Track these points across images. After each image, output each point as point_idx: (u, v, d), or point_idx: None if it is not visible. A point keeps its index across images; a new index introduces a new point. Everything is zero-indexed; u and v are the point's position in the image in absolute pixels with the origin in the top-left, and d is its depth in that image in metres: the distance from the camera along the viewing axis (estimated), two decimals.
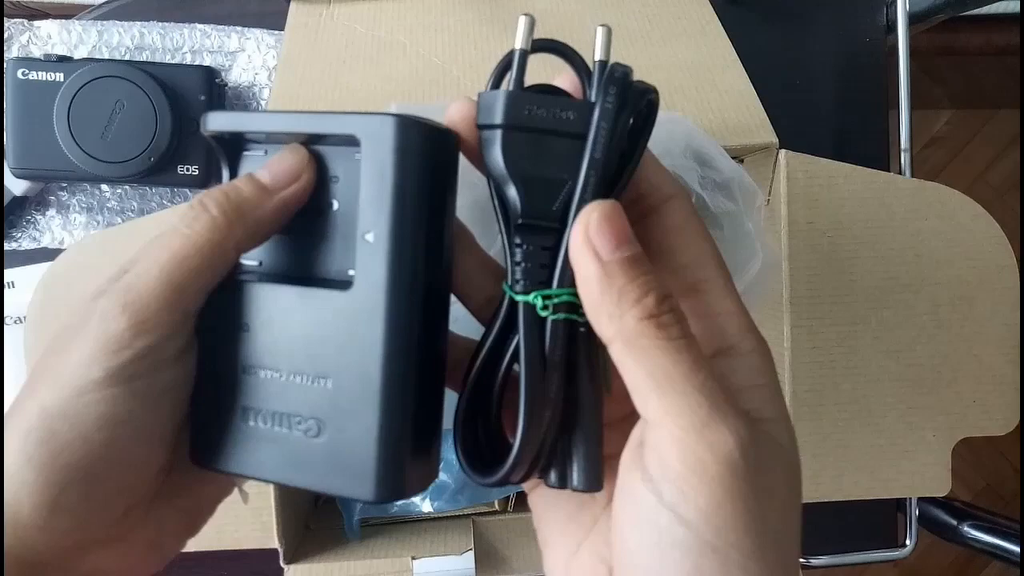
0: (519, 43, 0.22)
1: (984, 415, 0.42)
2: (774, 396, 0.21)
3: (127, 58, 0.57)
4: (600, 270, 0.19)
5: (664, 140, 0.34)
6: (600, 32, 0.21)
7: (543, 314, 0.21)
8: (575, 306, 0.21)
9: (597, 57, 0.21)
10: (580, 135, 0.21)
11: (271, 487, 0.39)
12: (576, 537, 0.23)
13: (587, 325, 0.21)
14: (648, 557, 0.19)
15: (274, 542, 0.39)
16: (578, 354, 0.21)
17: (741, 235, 0.35)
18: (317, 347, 0.21)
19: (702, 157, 0.35)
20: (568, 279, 0.21)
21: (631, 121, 0.21)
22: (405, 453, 0.21)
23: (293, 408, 0.22)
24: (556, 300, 0.21)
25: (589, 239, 0.19)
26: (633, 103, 0.21)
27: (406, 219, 0.21)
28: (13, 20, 0.57)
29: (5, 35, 0.56)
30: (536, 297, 0.21)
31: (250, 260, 0.24)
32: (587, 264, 0.19)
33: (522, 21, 0.22)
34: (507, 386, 0.22)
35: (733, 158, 0.45)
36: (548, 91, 0.22)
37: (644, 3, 0.47)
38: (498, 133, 0.21)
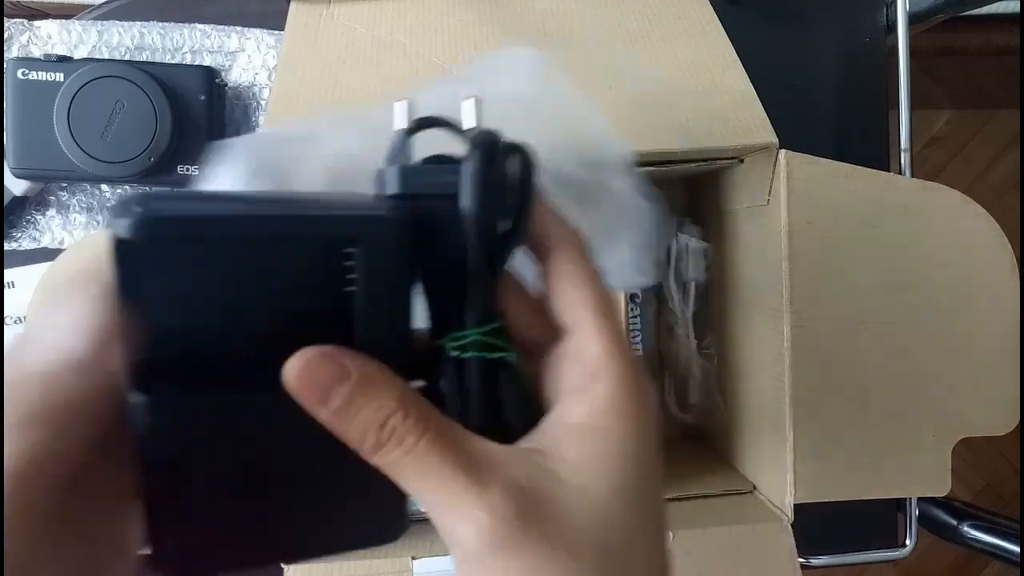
0: (397, 125, 0.24)
1: (984, 415, 0.42)
2: (619, 440, 0.22)
3: (127, 58, 0.57)
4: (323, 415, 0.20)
5: (547, 124, 0.33)
6: (468, 104, 0.24)
7: (453, 354, 0.23)
8: (488, 344, 0.23)
9: (465, 126, 0.24)
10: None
11: None
12: None
13: (510, 363, 0.23)
14: None
15: None
16: (501, 390, 0.23)
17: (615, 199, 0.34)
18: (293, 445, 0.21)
19: (579, 135, 0.34)
20: (474, 321, 0.22)
21: (508, 178, 0.23)
22: (404, 496, 0.23)
23: (286, 488, 0.22)
24: (465, 341, 0.22)
25: (301, 396, 0.20)
26: (495, 160, 0.22)
27: (403, 312, 0.22)
28: (13, 20, 0.57)
29: (5, 35, 0.56)
30: (448, 340, 0.23)
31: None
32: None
33: (398, 107, 0.24)
34: None
35: (732, 158, 0.46)
36: (439, 160, 0.24)
37: (644, 3, 0.47)
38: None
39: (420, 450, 0.20)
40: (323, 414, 0.20)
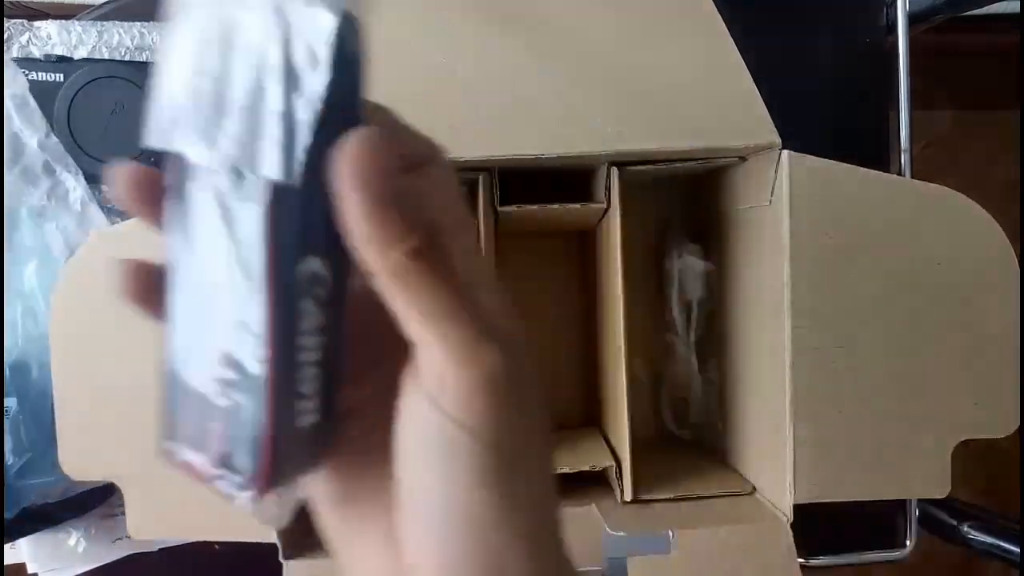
0: None
1: (984, 417, 0.42)
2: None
3: (127, 58, 0.57)
4: (369, 202, 0.19)
5: None
6: None
7: None
8: None
9: None
10: None
11: None
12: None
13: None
14: (438, 475, 0.21)
15: (273, 536, 0.39)
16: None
17: None
18: None
19: None
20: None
21: None
22: None
23: None
24: None
25: (358, 172, 0.19)
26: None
27: None
28: (13, 20, 0.57)
29: (5, 35, 0.56)
30: None
31: None
32: (356, 195, 0.19)
33: None
34: None
35: (735, 158, 0.46)
36: None
37: (645, 3, 0.47)
38: None
39: (448, 275, 0.20)
40: (385, 189, 0.19)
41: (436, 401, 0.21)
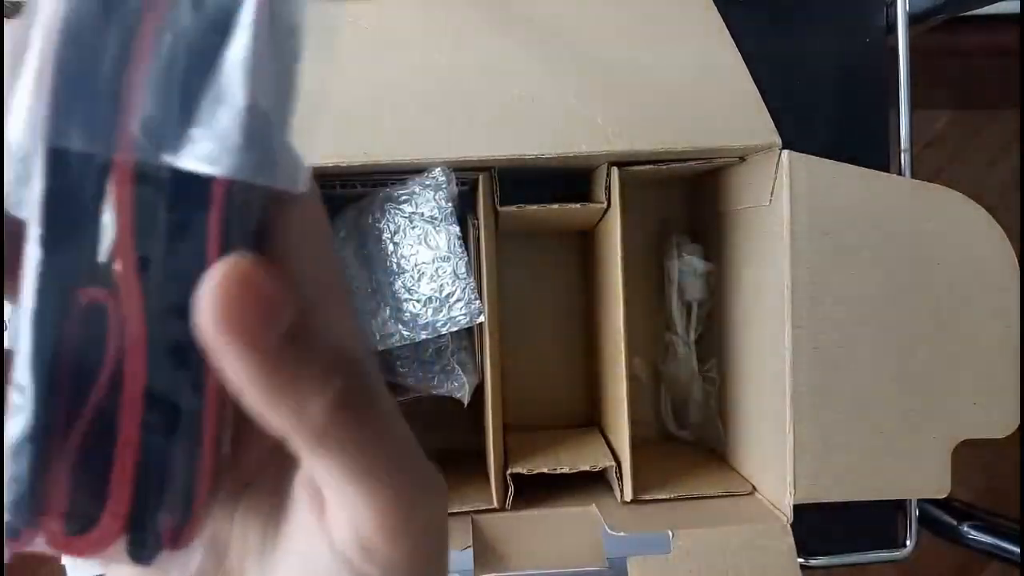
0: None
1: (984, 417, 0.42)
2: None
3: None
4: (263, 360, 0.13)
5: None
6: None
7: None
8: None
9: None
10: None
11: None
12: None
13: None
14: None
15: None
16: None
17: None
18: None
19: None
20: None
21: None
22: None
23: None
24: None
25: (233, 322, 0.13)
26: None
27: None
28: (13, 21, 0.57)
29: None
30: None
31: None
32: (242, 356, 0.13)
33: None
34: None
35: (735, 158, 0.46)
36: None
37: (647, 3, 0.47)
38: None
39: (377, 422, 0.16)
40: (277, 332, 0.14)
41: (351, 563, 0.16)
